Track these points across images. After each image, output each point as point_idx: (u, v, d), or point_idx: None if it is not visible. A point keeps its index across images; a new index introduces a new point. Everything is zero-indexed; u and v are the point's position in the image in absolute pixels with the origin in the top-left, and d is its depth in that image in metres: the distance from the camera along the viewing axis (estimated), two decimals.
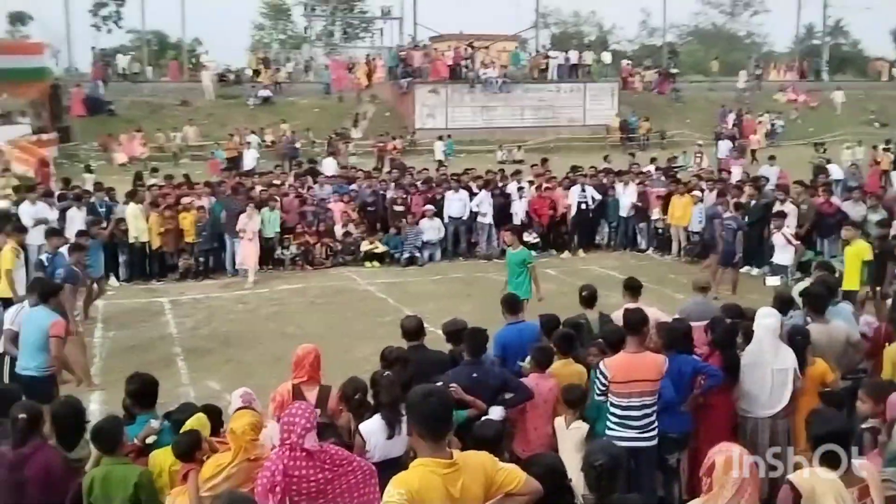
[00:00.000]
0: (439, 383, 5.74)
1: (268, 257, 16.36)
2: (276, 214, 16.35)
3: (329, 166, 24.61)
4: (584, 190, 17.84)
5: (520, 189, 17.94)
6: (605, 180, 18.60)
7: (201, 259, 15.81)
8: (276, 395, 6.03)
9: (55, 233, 12.00)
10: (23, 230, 12.19)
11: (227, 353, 11.34)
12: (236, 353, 11.36)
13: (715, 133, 34.08)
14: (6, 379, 7.94)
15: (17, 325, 8.10)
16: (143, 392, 5.64)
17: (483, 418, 5.83)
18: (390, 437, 5.42)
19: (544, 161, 21.33)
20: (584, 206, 17.78)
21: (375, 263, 16.94)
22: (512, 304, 7.60)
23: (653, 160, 23.54)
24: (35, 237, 14.47)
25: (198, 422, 5.33)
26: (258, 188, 17.57)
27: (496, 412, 6.05)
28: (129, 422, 5.62)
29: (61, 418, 5.24)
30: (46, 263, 10.88)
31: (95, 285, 13.00)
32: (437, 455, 3.55)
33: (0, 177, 21.42)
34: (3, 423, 5.13)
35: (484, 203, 17.32)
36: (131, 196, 15.79)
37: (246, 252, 15.23)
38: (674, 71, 45.09)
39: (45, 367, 7.72)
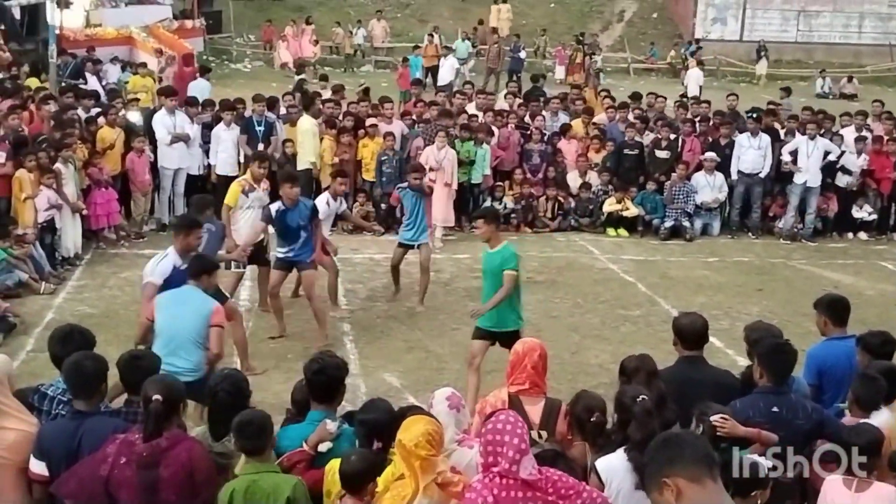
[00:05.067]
0: (715, 416, 5.67)
1: (470, 209, 16.57)
2: (487, 152, 16.59)
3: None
4: None
5: (859, 140, 17.16)
6: None
7: (382, 205, 16.25)
8: (484, 406, 6.14)
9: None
10: (265, 159, 12.39)
11: (411, 338, 11.67)
12: (423, 338, 11.68)
13: None
14: None
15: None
16: (326, 381, 5.80)
17: (861, 422, 5.85)
18: (641, 487, 5.36)
19: None
20: None
21: (623, 231, 16.92)
22: (840, 311, 7.31)
23: None
24: (172, 158, 15.62)
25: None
26: (469, 110, 17.77)
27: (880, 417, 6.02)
28: (295, 419, 5.96)
29: (224, 395, 5.67)
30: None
31: None
32: None
33: (134, 74, 23.23)
34: (134, 404, 5.59)
35: (795, 154, 16.64)
36: (307, 107, 16.41)
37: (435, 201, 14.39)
38: None
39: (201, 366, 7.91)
